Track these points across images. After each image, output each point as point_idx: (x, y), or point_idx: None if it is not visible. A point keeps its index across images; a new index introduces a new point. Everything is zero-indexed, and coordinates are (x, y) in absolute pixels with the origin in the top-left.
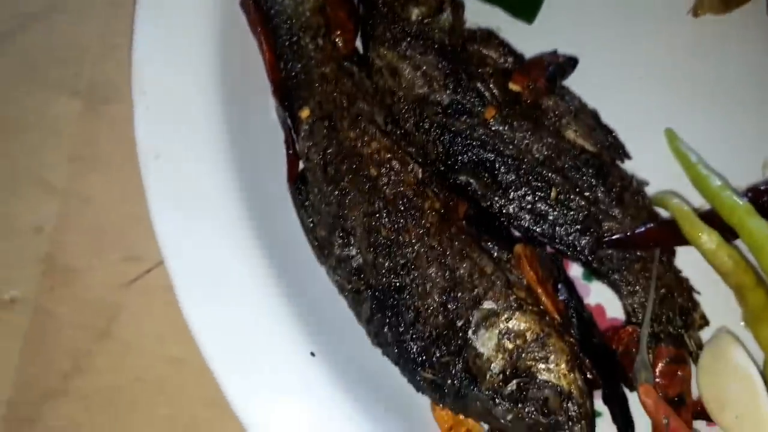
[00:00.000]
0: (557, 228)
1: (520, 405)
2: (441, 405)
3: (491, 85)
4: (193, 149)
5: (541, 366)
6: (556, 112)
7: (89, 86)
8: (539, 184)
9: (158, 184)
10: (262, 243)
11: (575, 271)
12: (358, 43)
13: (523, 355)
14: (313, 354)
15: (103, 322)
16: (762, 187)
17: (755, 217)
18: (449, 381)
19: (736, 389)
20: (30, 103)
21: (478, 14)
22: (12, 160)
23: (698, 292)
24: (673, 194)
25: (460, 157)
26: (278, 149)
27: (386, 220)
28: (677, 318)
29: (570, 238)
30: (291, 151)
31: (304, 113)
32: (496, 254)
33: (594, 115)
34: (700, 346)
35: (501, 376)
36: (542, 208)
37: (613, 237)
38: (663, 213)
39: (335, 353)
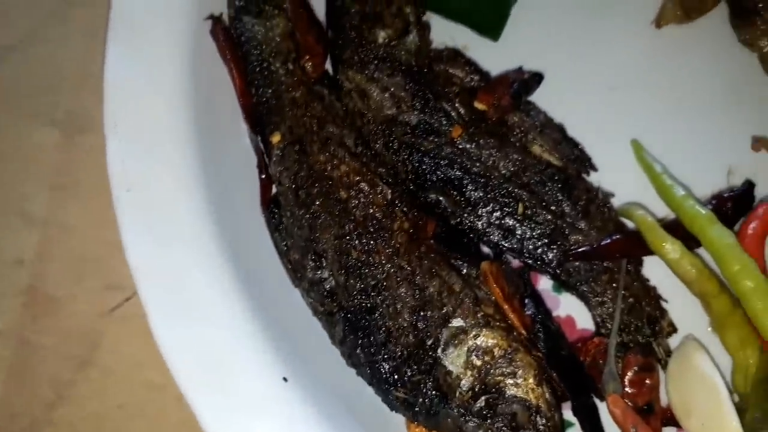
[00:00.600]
0: (525, 242)
1: (489, 421)
2: (415, 423)
3: (457, 104)
4: (165, 180)
5: (509, 381)
6: (522, 128)
7: (66, 116)
8: (506, 200)
9: (130, 216)
10: (235, 268)
11: (545, 283)
12: (329, 66)
13: (492, 371)
14: (285, 379)
15: (85, 351)
16: (726, 195)
17: (716, 225)
18: (421, 399)
19: (701, 396)
20: (8, 134)
21: (445, 33)
22: None
23: (666, 300)
24: (638, 205)
25: (429, 176)
26: (252, 174)
27: (356, 241)
28: (645, 326)
29: (538, 251)
30: (264, 176)
31: (276, 138)
32: (465, 271)
33: (560, 129)
34: (668, 354)
35: (470, 392)
36: (510, 223)
37: (580, 249)
38: (630, 224)
39: (309, 375)
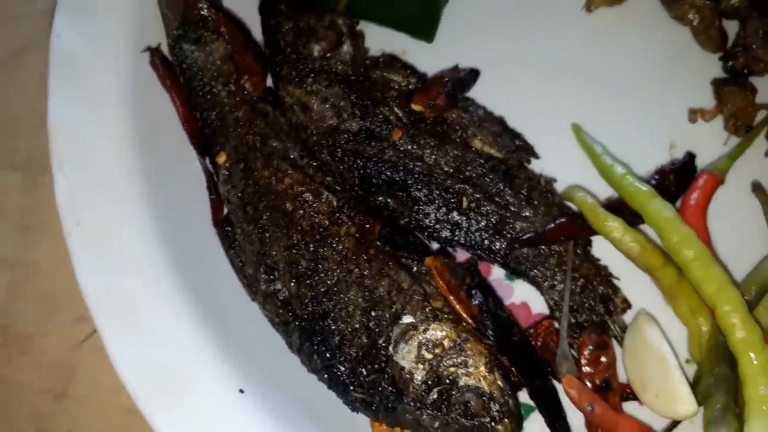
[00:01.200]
0: (473, 234)
1: (444, 411)
2: (378, 421)
3: (396, 108)
4: (113, 211)
5: (461, 371)
6: (461, 125)
7: (27, 158)
8: (450, 196)
9: (82, 248)
10: (189, 289)
11: (498, 272)
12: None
13: (443, 362)
14: (242, 391)
15: (60, 383)
16: (667, 169)
17: (655, 199)
18: (378, 397)
19: (653, 368)
20: None
21: (383, 40)
22: None
23: (617, 278)
24: (578, 188)
25: (375, 180)
26: (204, 196)
27: (305, 251)
28: (599, 305)
29: (486, 242)
30: (214, 196)
31: (222, 158)
32: (416, 268)
33: (500, 122)
34: (624, 330)
35: (424, 386)
36: (456, 217)
37: (525, 236)
38: (575, 207)
39: (269, 385)
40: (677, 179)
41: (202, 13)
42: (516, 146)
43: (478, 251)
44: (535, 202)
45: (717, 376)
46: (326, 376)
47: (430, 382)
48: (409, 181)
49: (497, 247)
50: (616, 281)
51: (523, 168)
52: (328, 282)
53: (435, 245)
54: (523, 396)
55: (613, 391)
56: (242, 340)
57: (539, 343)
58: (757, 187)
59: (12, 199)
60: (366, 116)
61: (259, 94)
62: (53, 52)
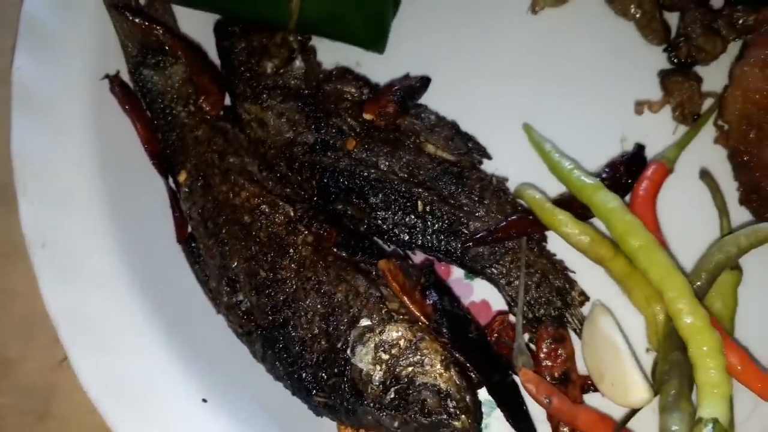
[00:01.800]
0: (429, 236)
1: (402, 411)
2: (342, 424)
3: (349, 119)
4: (76, 232)
5: (418, 370)
6: (413, 131)
7: (1, 188)
8: (405, 200)
9: (46, 269)
10: (152, 304)
11: (458, 273)
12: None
13: (400, 362)
14: (205, 400)
15: (41, 404)
16: (618, 161)
17: (601, 191)
18: (339, 401)
19: (608, 358)
20: None
21: (338, 54)
22: None
23: (573, 272)
24: (528, 185)
25: (332, 189)
26: (169, 214)
27: (263, 261)
28: (556, 299)
29: (442, 243)
30: (177, 214)
31: (182, 176)
32: (374, 272)
33: (452, 126)
34: (582, 322)
35: (381, 386)
36: (412, 220)
37: (478, 235)
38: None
39: (232, 394)
40: (627, 171)
41: (159, 38)
42: (468, 148)
43: (436, 252)
44: (487, 202)
45: (671, 362)
46: (289, 382)
47: (387, 383)
48: (366, 188)
49: (453, 247)
50: (572, 275)
51: (476, 169)
52: (287, 290)
53: (392, 249)
54: (487, 393)
55: (572, 383)
56: (209, 352)
57: (494, 338)
58: (704, 174)
59: None
60: (320, 128)
61: (218, 112)
62: (14, 82)
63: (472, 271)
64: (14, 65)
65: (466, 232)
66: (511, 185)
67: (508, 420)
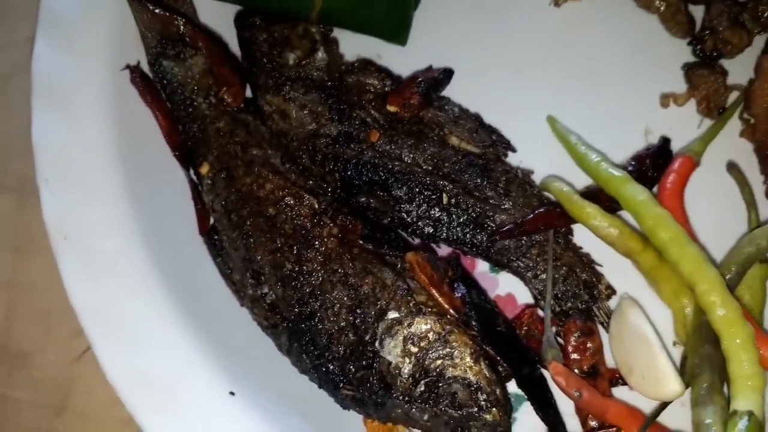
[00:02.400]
0: (454, 229)
1: (432, 404)
2: (369, 417)
3: (372, 111)
4: (100, 225)
5: (447, 362)
6: (437, 123)
7: (18, 181)
8: (430, 192)
9: (70, 261)
10: (176, 296)
11: (483, 266)
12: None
13: (429, 355)
14: (232, 393)
15: (59, 398)
16: (643, 154)
17: (630, 183)
18: (367, 394)
19: (638, 351)
20: None
21: (359, 45)
22: None
23: (600, 265)
24: (555, 177)
25: (356, 181)
26: (191, 206)
27: (289, 253)
28: (583, 292)
29: (468, 236)
30: (199, 206)
31: (204, 168)
32: (399, 265)
33: (476, 118)
34: (609, 315)
35: (411, 379)
36: (437, 213)
37: (505, 228)
38: (553, 197)
39: (259, 387)
40: (653, 164)
41: (179, 29)
42: (492, 141)
43: (461, 245)
44: (514, 194)
45: (702, 355)
46: (316, 375)
47: (417, 376)
48: (390, 181)
49: (479, 240)
50: (599, 268)
51: (501, 162)
52: (313, 283)
53: (418, 241)
54: (515, 386)
55: (601, 377)
56: (234, 344)
57: (523, 332)
58: (732, 167)
59: (5, 222)
60: (343, 120)
61: (239, 104)
62: (35, 73)
63: (498, 264)
64: (34, 55)
65: (491, 224)
66: (536, 178)
67: (537, 413)
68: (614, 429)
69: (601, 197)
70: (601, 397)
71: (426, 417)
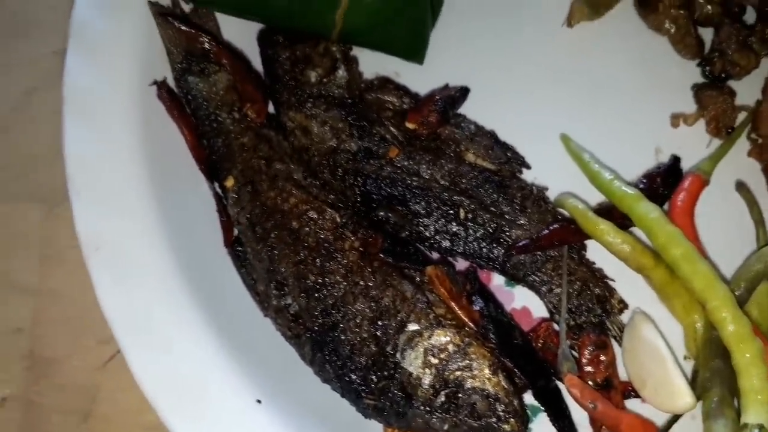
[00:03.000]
0: (471, 244)
1: (452, 413)
2: (390, 427)
3: (391, 127)
4: (129, 235)
5: (467, 374)
6: (454, 140)
7: (45, 191)
8: (447, 208)
9: (101, 271)
10: (204, 305)
11: (498, 279)
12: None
13: (449, 366)
14: (259, 401)
15: (85, 404)
16: (654, 172)
17: (642, 201)
18: (389, 403)
19: (651, 364)
20: None
21: (377, 64)
22: None
23: (613, 280)
24: (569, 194)
25: (375, 196)
26: (215, 217)
27: (312, 265)
28: (596, 307)
29: (484, 251)
30: (224, 218)
31: (230, 182)
32: (418, 278)
33: (491, 135)
34: (622, 330)
35: (431, 390)
36: (454, 228)
37: (521, 243)
38: (567, 213)
39: (284, 395)
40: (664, 182)
41: (204, 46)
42: (507, 157)
43: (478, 259)
44: (529, 210)
45: (713, 369)
46: (339, 384)
47: (437, 386)
48: (408, 196)
49: (495, 254)
50: (611, 283)
51: (516, 178)
52: (336, 294)
53: (436, 255)
54: (530, 397)
55: (614, 389)
56: (257, 353)
57: (539, 345)
58: (740, 186)
59: (32, 230)
60: (363, 136)
61: (262, 120)
62: (66, 88)
63: (514, 279)
64: (65, 70)
65: (507, 239)
66: (550, 194)
67: (553, 423)
68: None
69: (613, 214)
70: (615, 409)
71: (446, 427)
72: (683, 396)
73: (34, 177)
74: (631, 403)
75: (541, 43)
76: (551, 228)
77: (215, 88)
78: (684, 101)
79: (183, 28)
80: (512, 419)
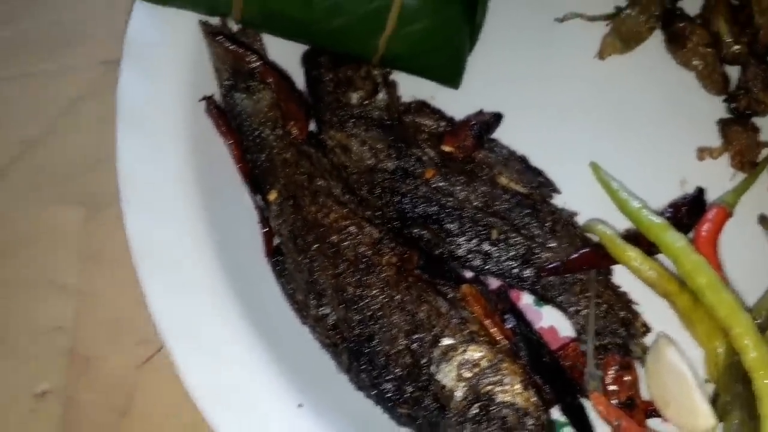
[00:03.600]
0: (502, 264)
1: (484, 425)
2: None
3: (427, 149)
4: (178, 243)
5: (498, 388)
6: (488, 163)
7: (87, 195)
8: (481, 228)
9: (151, 279)
10: (248, 313)
11: (527, 299)
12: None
13: (481, 380)
14: (300, 405)
15: (123, 402)
16: (679, 203)
17: (669, 230)
18: (422, 413)
19: (674, 387)
20: (40, 217)
21: (414, 87)
22: (30, 269)
23: (637, 304)
24: (598, 221)
25: (410, 214)
26: (256, 229)
27: (351, 278)
28: (621, 329)
29: (515, 271)
30: (266, 229)
31: (272, 196)
32: (451, 294)
33: (523, 160)
34: (645, 351)
35: (464, 402)
36: (487, 248)
37: (551, 265)
38: (595, 238)
39: (322, 401)
40: (689, 212)
41: (250, 65)
42: (539, 182)
43: (509, 279)
44: (559, 234)
45: (733, 393)
46: (374, 393)
47: (470, 399)
48: (442, 215)
49: (526, 275)
50: (636, 307)
51: (547, 202)
52: (373, 307)
53: (469, 273)
54: (555, 412)
55: (637, 408)
56: (298, 359)
57: (568, 364)
58: (763, 219)
59: (75, 233)
60: (401, 157)
61: (303, 137)
62: (120, 101)
63: (543, 299)
64: (120, 84)
65: (538, 261)
66: (579, 220)
67: None
68: None
69: (641, 241)
70: (638, 427)
71: None
72: (705, 417)
73: (76, 180)
74: (653, 423)
75: (573, 73)
76: (581, 252)
77: (260, 105)
78: (709, 135)
79: (231, 47)
80: None
